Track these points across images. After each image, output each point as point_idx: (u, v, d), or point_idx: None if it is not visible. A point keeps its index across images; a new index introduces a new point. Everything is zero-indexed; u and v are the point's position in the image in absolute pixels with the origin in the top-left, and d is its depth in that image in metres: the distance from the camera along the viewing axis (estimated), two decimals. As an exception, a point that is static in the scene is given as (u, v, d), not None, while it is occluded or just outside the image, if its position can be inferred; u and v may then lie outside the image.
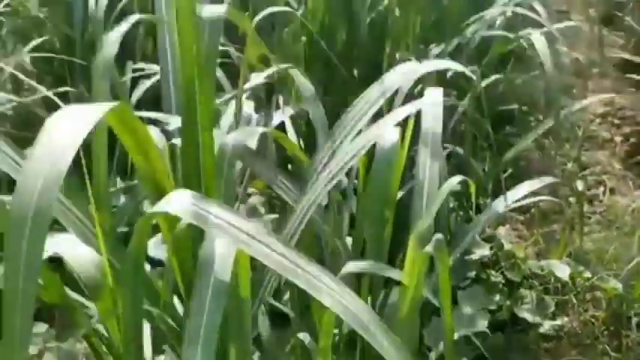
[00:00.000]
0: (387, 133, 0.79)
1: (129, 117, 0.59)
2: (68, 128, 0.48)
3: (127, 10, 1.80)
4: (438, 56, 1.53)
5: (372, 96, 0.95)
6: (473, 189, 0.82)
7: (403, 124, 0.97)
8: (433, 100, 0.91)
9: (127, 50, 1.98)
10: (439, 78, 1.57)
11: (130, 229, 1.42)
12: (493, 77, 1.69)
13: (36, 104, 1.83)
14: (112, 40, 0.74)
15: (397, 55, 1.51)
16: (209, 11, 0.72)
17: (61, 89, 1.70)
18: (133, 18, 0.80)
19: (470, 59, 1.65)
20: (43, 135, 0.48)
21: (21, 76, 1.48)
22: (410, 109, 0.81)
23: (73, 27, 1.86)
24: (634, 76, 2.49)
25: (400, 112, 0.79)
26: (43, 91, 1.54)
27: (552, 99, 1.42)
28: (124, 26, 0.78)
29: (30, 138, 1.57)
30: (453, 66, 1.02)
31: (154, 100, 1.72)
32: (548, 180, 1.12)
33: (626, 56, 2.85)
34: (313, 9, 1.41)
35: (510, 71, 1.96)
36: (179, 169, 0.81)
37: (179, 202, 0.52)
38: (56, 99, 1.56)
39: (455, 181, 0.81)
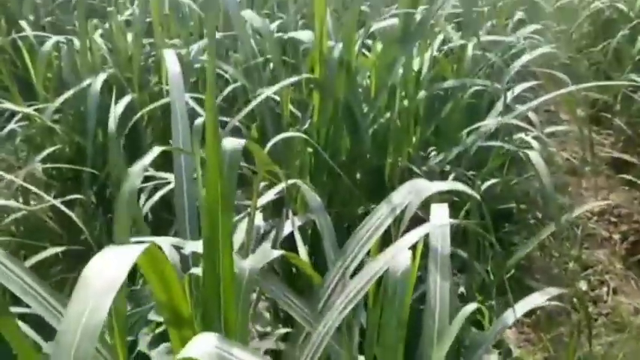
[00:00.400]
0: (399, 258, 0.82)
1: (155, 255, 0.61)
2: (104, 277, 0.50)
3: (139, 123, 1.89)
4: (439, 164, 1.59)
5: (382, 213, 0.98)
6: (486, 318, 0.83)
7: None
8: (440, 219, 0.94)
9: (136, 155, 2.06)
10: (442, 179, 1.63)
11: (135, 339, 1.41)
12: (492, 181, 1.76)
13: (44, 210, 1.86)
14: (135, 173, 0.78)
15: (399, 163, 1.57)
16: (230, 144, 0.77)
17: (70, 197, 1.74)
18: (157, 150, 0.84)
19: (469, 164, 1.72)
20: (81, 285, 0.50)
21: (30, 187, 1.52)
22: (420, 232, 0.84)
23: (85, 136, 1.93)
24: (626, 176, 2.57)
25: (411, 237, 0.82)
26: (52, 200, 1.58)
27: (551, 204, 1.45)
28: (147, 159, 0.82)
29: (37, 246, 1.58)
30: (461, 188, 1.06)
31: (162, 205, 1.77)
32: (556, 291, 1.13)
33: (616, 155, 2.95)
34: (318, 121, 1.48)
35: (507, 171, 2.03)
36: (194, 291, 0.82)
37: (204, 347, 0.53)
38: (63, 207, 1.60)
39: (468, 310, 0.83)
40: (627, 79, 2.83)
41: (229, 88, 2.23)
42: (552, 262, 2.12)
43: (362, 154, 1.55)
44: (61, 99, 1.90)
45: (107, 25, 2.26)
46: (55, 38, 2.16)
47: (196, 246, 0.78)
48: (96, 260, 0.53)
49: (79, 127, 2.05)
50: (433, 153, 1.76)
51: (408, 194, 1.03)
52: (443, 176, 1.59)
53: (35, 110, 1.96)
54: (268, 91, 1.40)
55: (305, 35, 1.57)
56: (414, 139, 1.61)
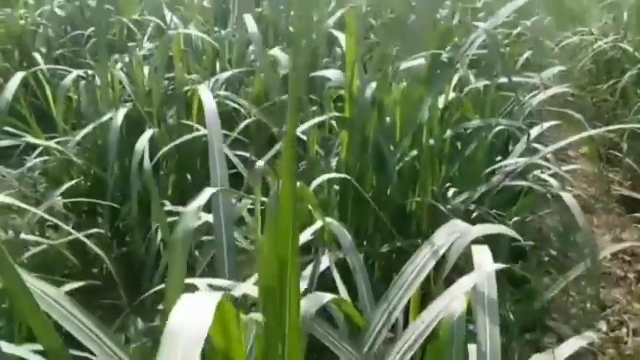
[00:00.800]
0: (453, 305, 0.81)
1: (222, 303, 0.61)
2: (190, 330, 0.49)
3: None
4: (464, 203, 1.60)
5: (424, 255, 0.98)
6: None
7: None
8: (484, 262, 0.94)
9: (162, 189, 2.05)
10: (466, 217, 1.64)
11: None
12: (515, 218, 1.77)
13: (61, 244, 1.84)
14: (190, 214, 0.78)
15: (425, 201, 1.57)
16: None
17: (90, 231, 1.72)
18: (209, 191, 0.84)
19: (490, 203, 1.72)
20: (168, 339, 0.49)
21: (54, 220, 1.50)
22: (472, 278, 0.83)
23: (104, 168, 1.92)
24: (637, 214, 2.58)
25: (464, 283, 0.81)
26: (76, 234, 1.56)
27: (588, 245, 1.45)
28: (201, 198, 0.82)
29: (58, 281, 1.55)
30: (504, 231, 1.06)
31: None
32: (591, 336, 1.12)
33: (625, 192, 2.97)
34: (346, 159, 1.49)
35: (520, 208, 2.04)
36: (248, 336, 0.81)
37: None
38: (88, 242, 1.59)
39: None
40: (637, 120, 2.87)
41: (245, 123, 2.25)
42: (570, 301, 2.11)
43: (388, 191, 1.55)
44: (82, 132, 1.90)
45: (127, 59, 2.28)
46: (75, 72, 2.17)
47: (249, 289, 0.77)
48: (177, 312, 0.52)
49: (97, 160, 2.05)
50: (452, 190, 1.76)
51: (448, 236, 1.03)
52: (467, 215, 1.59)
53: (55, 144, 1.96)
54: (298, 130, 1.41)
55: (332, 73, 1.59)
56: (439, 177, 1.61)
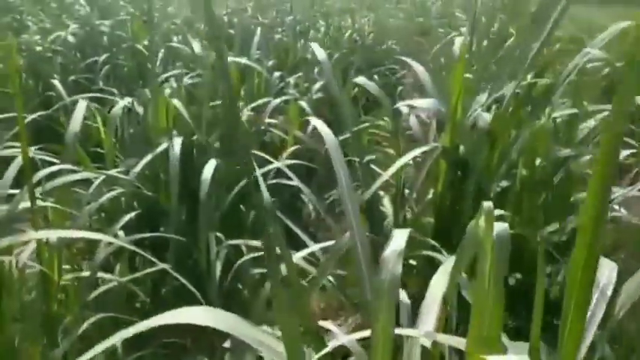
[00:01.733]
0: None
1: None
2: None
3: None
4: (553, 234, 1.55)
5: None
6: None
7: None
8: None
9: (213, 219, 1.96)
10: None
11: None
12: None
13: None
14: (393, 258, 0.71)
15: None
16: (499, 228, 0.71)
17: (158, 267, 1.62)
18: (402, 233, 0.77)
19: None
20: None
21: (143, 254, 1.39)
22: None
23: (160, 201, 1.83)
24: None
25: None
26: (162, 265, 1.44)
27: None
28: (398, 241, 0.74)
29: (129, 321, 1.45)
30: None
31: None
32: None
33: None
34: (443, 189, 1.44)
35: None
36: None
37: None
38: (177, 275, 1.47)
39: None
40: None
41: (291, 149, 2.19)
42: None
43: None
44: (142, 163, 1.81)
45: (174, 85, 2.20)
46: (122, 102, 2.09)
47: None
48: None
49: (153, 191, 1.95)
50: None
51: (608, 277, 0.98)
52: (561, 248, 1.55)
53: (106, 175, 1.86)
54: (394, 167, 1.34)
55: (427, 103, 1.53)
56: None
